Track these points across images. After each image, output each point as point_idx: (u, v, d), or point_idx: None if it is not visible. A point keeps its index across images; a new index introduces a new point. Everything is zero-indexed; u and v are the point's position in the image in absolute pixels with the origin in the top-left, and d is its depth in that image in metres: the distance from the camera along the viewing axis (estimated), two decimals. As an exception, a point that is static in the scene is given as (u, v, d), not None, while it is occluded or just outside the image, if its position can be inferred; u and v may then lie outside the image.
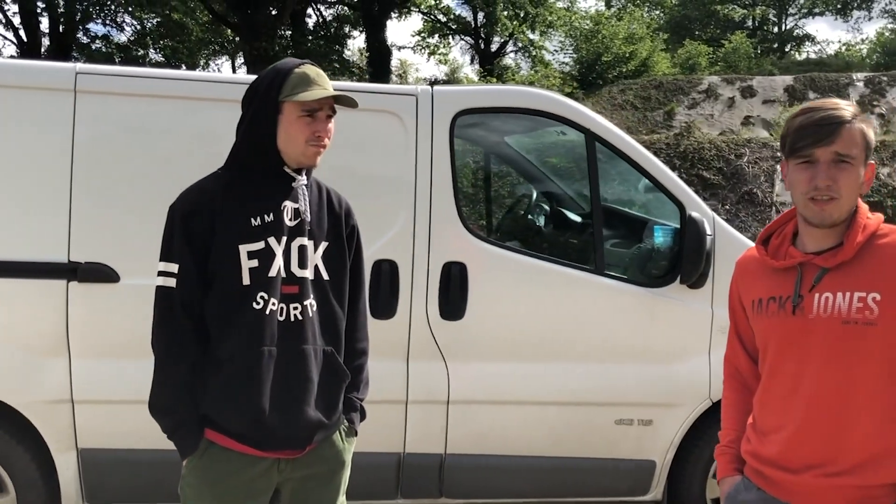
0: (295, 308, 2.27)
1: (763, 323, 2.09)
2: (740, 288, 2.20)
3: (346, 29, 28.30)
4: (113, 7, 24.07)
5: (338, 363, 2.36)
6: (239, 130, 2.32)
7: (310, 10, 26.28)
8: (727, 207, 12.92)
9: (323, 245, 2.35)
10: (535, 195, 5.22)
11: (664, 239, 4.07)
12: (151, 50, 25.72)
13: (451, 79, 29.02)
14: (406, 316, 3.79)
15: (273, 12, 21.31)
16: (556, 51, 28.49)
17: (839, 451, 1.96)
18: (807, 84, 17.16)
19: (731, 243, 3.99)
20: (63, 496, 3.66)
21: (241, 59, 26.53)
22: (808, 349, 1.99)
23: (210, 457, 2.25)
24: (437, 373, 3.84)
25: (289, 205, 2.29)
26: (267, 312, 2.23)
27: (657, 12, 36.56)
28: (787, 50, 36.21)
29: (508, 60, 30.73)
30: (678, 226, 4.00)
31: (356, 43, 44.40)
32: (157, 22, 24.97)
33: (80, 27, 23.92)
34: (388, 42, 24.84)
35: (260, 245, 2.24)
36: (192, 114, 3.73)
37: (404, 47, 45.96)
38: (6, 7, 22.94)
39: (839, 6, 36.79)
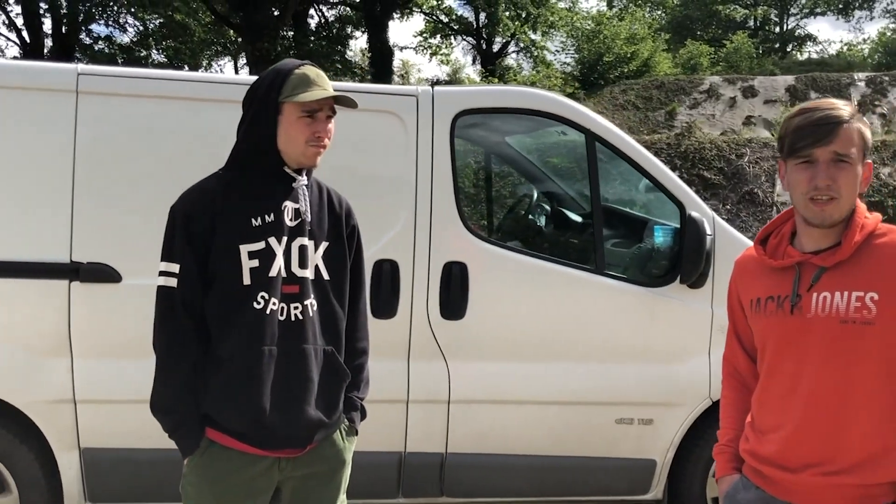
0: (295, 308, 2.28)
1: (761, 322, 2.10)
2: (739, 287, 2.21)
3: (349, 29, 28.31)
4: (115, 8, 24.10)
5: (338, 362, 2.37)
6: (239, 131, 2.33)
7: (312, 11, 26.30)
8: (728, 207, 12.92)
9: (323, 245, 2.36)
10: (535, 195, 5.23)
11: (664, 239, 4.08)
12: (154, 51, 25.75)
13: (453, 79, 28.99)
14: (407, 315, 3.80)
15: (275, 13, 21.31)
16: (558, 51, 28.49)
17: (837, 450, 1.96)
18: (808, 84, 17.14)
19: (731, 243, 3.99)
20: (65, 495, 3.67)
21: (244, 59, 26.57)
22: (807, 348, 1.99)
23: (211, 456, 2.26)
24: (437, 372, 3.85)
25: (289, 205, 2.30)
26: (267, 312, 2.24)
27: (659, 12, 36.54)
28: (788, 50, 36.16)
29: (510, 61, 30.72)
30: (678, 226, 4.01)
31: (358, 43, 44.53)
32: (160, 23, 25.00)
33: (83, 28, 23.93)
34: (391, 42, 24.83)
35: (260, 245, 2.25)
36: (193, 114, 3.75)
37: (406, 48, 45.94)
38: (9, 8, 23.02)
39: (841, 6, 36.73)
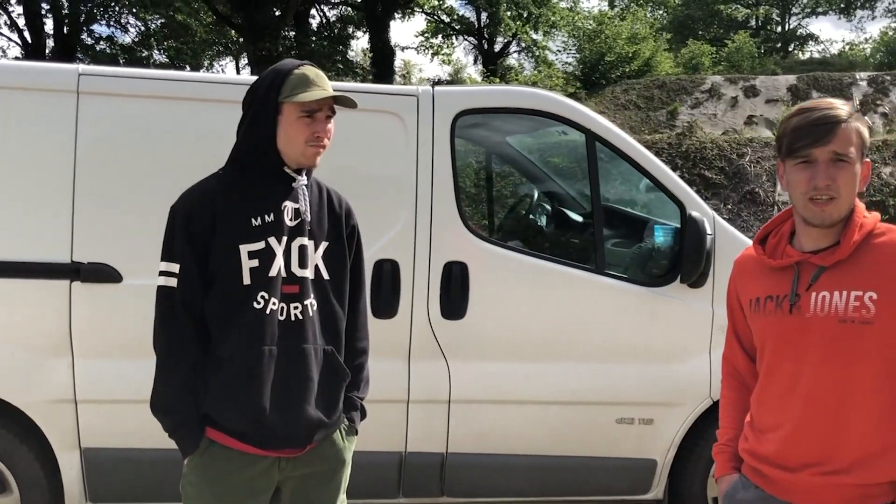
0: (295, 308, 2.28)
1: (760, 322, 2.10)
2: (738, 287, 2.21)
3: (350, 29, 28.33)
4: (117, 8, 24.12)
5: (338, 362, 2.38)
6: (239, 131, 2.34)
7: (313, 11, 26.31)
8: (729, 207, 12.92)
9: (323, 245, 2.36)
10: (535, 195, 5.23)
11: (664, 238, 4.08)
12: (155, 51, 25.78)
13: (455, 79, 29.01)
14: (407, 315, 3.80)
15: (277, 13, 21.32)
16: (560, 51, 28.51)
17: (836, 450, 1.97)
18: (810, 83, 17.14)
19: (731, 243, 3.99)
20: (66, 495, 3.68)
21: (245, 60, 26.58)
22: (805, 348, 1.99)
23: (211, 455, 2.26)
24: (438, 372, 3.85)
25: (289, 205, 2.31)
26: (267, 312, 2.24)
27: (660, 12, 36.54)
28: (790, 49, 36.15)
29: (512, 61, 30.75)
30: (678, 225, 4.01)
31: (360, 43, 44.54)
32: (161, 23, 25.01)
33: (85, 28, 23.96)
34: (392, 42, 24.85)
35: (260, 245, 2.25)
36: (193, 115, 3.75)
37: (408, 48, 46.09)
38: (11, 9, 23.05)
39: (842, 5, 36.71)
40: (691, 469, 4.07)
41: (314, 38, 26.04)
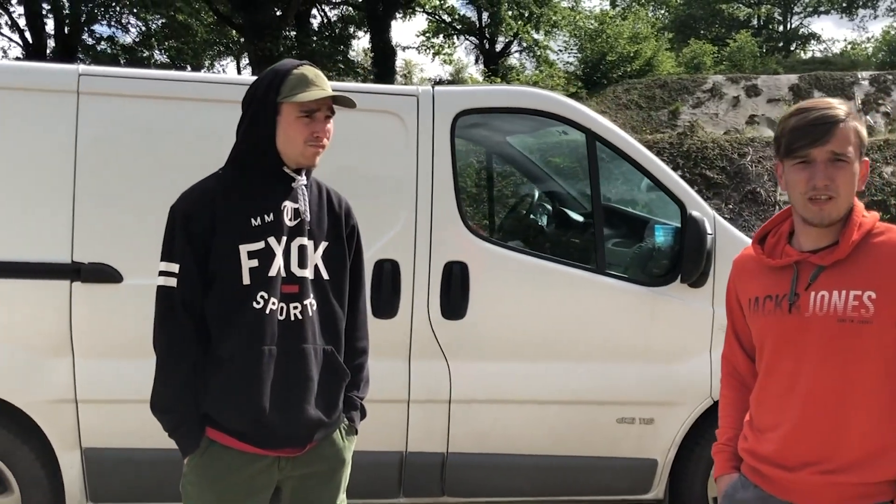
0: (295, 307, 2.29)
1: (760, 321, 2.10)
2: (737, 286, 2.21)
3: (351, 29, 28.32)
4: (118, 8, 24.12)
5: (338, 362, 2.38)
6: (239, 131, 2.34)
7: (314, 11, 26.30)
8: (730, 206, 12.91)
9: (323, 245, 2.37)
10: (536, 195, 5.23)
11: (665, 238, 4.08)
12: (156, 51, 25.77)
13: (456, 79, 29.02)
14: (408, 315, 3.80)
15: (278, 13, 21.33)
16: (561, 50, 28.50)
17: (836, 449, 1.97)
18: (812, 83, 17.12)
19: (731, 242, 3.99)
20: (67, 495, 3.68)
21: (246, 60, 26.58)
22: (805, 347, 2.00)
23: (211, 455, 2.27)
24: (438, 372, 3.85)
25: (289, 205, 2.31)
26: (267, 312, 2.25)
27: (662, 11, 36.50)
28: (792, 49, 36.11)
29: (513, 60, 30.73)
30: (679, 225, 4.01)
31: (361, 43, 44.52)
32: (162, 23, 25.00)
33: (86, 28, 23.96)
34: (393, 42, 24.84)
35: (260, 245, 2.25)
36: (193, 114, 3.76)
37: (409, 47, 46.07)
38: (11, 9, 23.05)
39: (844, 5, 36.66)
40: (692, 469, 4.07)
41: (315, 38, 26.03)
